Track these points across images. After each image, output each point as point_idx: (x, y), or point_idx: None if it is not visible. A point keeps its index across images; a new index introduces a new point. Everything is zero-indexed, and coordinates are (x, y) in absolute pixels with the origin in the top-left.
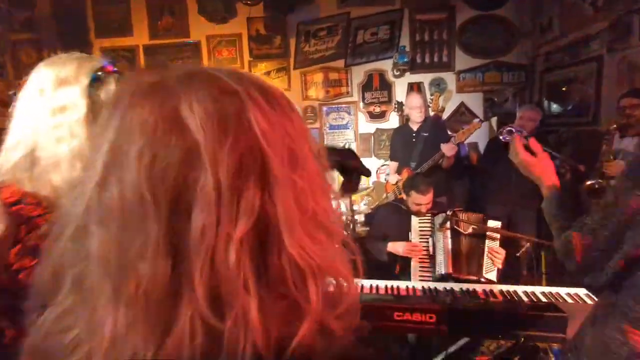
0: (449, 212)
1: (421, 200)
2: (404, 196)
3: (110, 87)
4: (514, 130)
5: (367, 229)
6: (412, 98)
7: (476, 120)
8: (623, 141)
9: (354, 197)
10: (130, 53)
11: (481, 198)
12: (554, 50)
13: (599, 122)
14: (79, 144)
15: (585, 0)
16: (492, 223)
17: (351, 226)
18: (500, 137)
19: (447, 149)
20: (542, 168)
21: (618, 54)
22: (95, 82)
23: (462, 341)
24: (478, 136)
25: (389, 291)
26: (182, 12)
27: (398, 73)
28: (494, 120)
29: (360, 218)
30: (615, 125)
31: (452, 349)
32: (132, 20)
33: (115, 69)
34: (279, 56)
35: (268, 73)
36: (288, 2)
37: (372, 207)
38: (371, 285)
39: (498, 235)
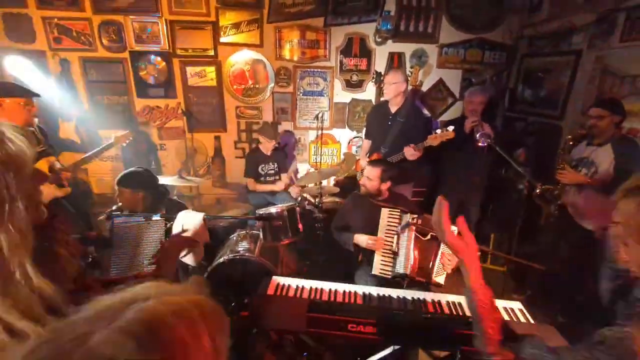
0: (415, 216)
1: (369, 173)
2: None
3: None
4: (490, 136)
5: (337, 199)
6: (391, 75)
7: (450, 128)
8: (586, 149)
9: (323, 166)
10: None
11: (442, 181)
12: (538, 35)
13: (564, 117)
14: None
15: None
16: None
17: (319, 197)
18: (479, 143)
19: (409, 154)
20: (469, 258)
21: (596, 52)
22: None
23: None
24: (450, 115)
25: (346, 297)
26: None
27: (380, 40)
28: None
29: (330, 187)
30: (570, 136)
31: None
32: None
33: None
34: (251, 5)
35: (238, 25)
36: None
37: (342, 176)
38: (330, 290)
39: None
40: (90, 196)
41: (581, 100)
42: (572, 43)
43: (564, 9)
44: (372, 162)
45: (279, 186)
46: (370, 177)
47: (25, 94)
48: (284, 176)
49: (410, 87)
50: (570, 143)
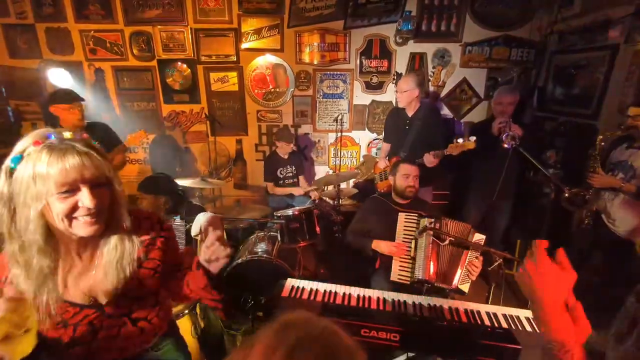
0: (433, 220)
1: (409, 170)
2: (390, 180)
3: (35, 160)
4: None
5: (355, 201)
6: (402, 82)
7: (472, 138)
8: (625, 152)
9: (343, 169)
10: None
11: (465, 188)
12: (570, 30)
13: (599, 117)
14: None
15: None
16: (478, 236)
17: (338, 199)
18: (504, 145)
19: (428, 161)
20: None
21: (635, 46)
22: (17, 161)
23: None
24: (475, 115)
25: (360, 302)
26: None
27: (400, 41)
28: None
29: (348, 189)
30: (601, 137)
31: None
32: None
33: (49, 139)
34: (272, 12)
35: (259, 30)
36: None
37: (360, 179)
38: (344, 293)
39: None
40: None
41: (618, 97)
42: (607, 37)
43: (598, 2)
44: (406, 161)
45: (297, 191)
46: (416, 175)
47: (66, 100)
48: (302, 179)
49: (431, 88)
50: (602, 144)
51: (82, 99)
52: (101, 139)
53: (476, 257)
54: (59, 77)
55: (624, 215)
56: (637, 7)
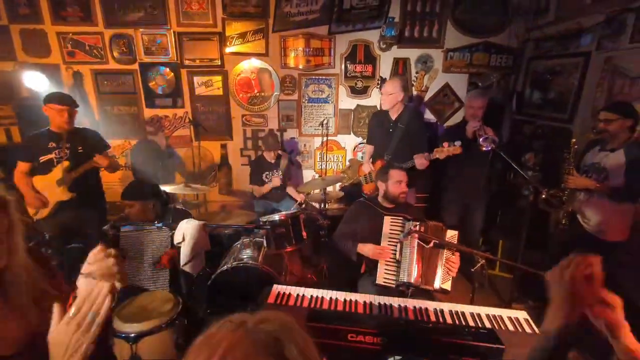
0: (418, 224)
1: (401, 176)
2: (379, 186)
3: None
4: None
5: (341, 205)
6: (388, 85)
7: (457, 143)
8: (598, 155)
9: (329, 173)
10: None
11: (445, 187)
12: (545, 37)
13: (574, 120)
14: None
15: None
16: (450, 233)
17: (324, 204)
18: (482, 148)
19: (420, 163)
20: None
21: (606, 53)
22: None
23: None
24: (457, 119)
25: (347, 306)
26: None
27: (384, 46)
28: None
29: (335, 193)
30: (574, 140)
31: None
32: None
33: None
34: (256, 16)
35: (243, 35)
36: None
37: (347, 183)
38: (330, 298)
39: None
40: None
41: (591, 102)
42: (580, 44)
43: (571, 11)
44: (395, 167)
45: (274, 182)
46: (406, 180)
47: (58, 101)
48: (289, 186)
49: (415, 93)
50: (576, 147)
51: (76, 105)
52: (91, 144)
53: (452, 254)
54: (34, 80)
55: (595, 215)
56: (607, 17)
